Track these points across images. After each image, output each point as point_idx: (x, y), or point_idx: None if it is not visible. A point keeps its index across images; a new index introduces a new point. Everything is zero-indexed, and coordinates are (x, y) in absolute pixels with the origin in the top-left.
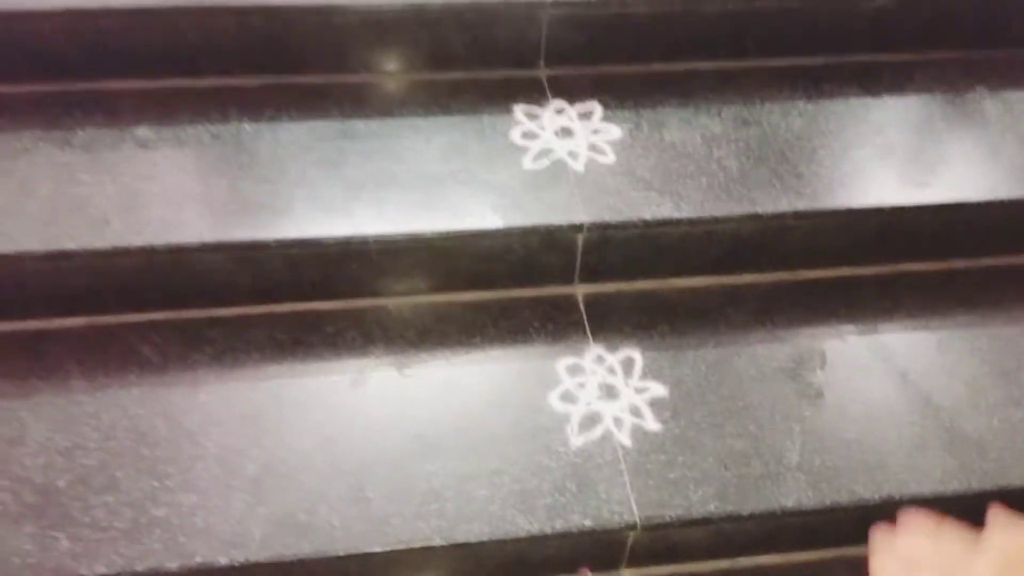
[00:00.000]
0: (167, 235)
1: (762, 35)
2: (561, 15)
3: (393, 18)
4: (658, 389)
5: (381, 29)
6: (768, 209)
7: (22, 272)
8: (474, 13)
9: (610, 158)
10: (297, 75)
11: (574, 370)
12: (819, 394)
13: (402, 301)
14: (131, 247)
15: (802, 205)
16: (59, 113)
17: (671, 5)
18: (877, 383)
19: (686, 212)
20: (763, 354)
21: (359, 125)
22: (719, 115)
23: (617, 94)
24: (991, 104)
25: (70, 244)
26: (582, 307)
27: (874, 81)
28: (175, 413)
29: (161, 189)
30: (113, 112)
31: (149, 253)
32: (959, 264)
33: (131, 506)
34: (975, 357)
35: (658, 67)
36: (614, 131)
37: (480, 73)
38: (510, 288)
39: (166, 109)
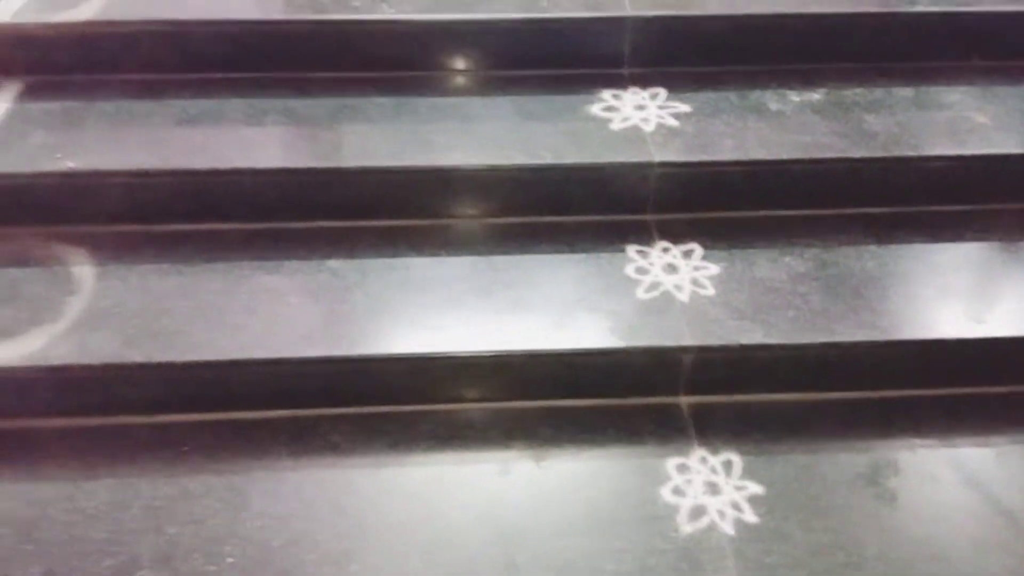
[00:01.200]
0: (357, 347)
1: (837, 188)
2: (667, 173)
3: (526, 176)
4: (755, 488)
5: (516, 183)
6: (847, 339)
7: (246, 373)
8: (593, 172)
9: (710, 291)
10: (453, 219)
11: (682, 469)
12: (893, 497)
13: (537, 404)
14: (332, 357)
15: (876, 336)
16: (268, 246)
17: (761, 165)
18: (944, 489)
19: (776, 339)
20: (845, 461)
21: (499, 259)
22: (802, 256)
23: (714, 236)
24: None
25: (285, 353)
26: (687, 415)
27: (936, 228)
28: (361, 488)
29: (351, 310)
30: (310, 246)
31: (343, 362)
32: (1017, 388)
33: (332, 563)
34: None
35: (748, 213)
36: (712, 268)
37: (597, 217)
38: (625, 397)
39: (352, 245)
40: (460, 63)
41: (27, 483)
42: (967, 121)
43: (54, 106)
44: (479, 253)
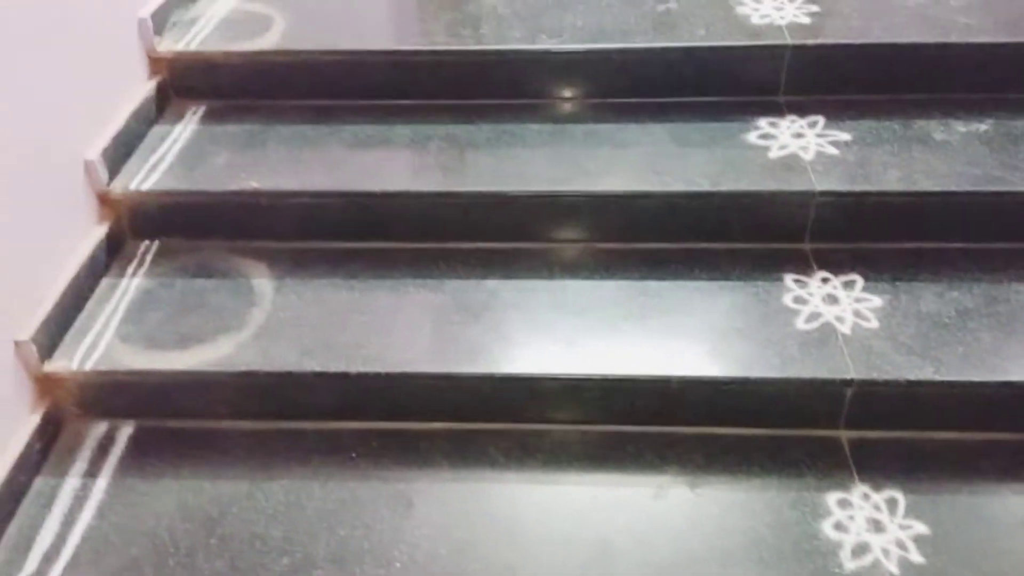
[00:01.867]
0: (516, 366)
1: (1006, 222)
2: (827, 202)
3: (681, 203)
4: (920, 527)
5: (671, 210)
6: (1020, 378)
7: (413, 386)
8: (752, 200)
9: (873, 324)
10: (608, 243)
11: (844, 504)
12: None
13: (691, 430)
14: (496, 375)
15: None
16: (431, 265)
17: (927, 197)
18: None
19: (947, 376)
20: (1014, 504)
21: (653, 285)
22: (970, 291)
23: (876, 267)
24: None
25: (450, 368)
26: (847, 449)
27: None
28: (520, 503)
29: (510, 329)
30: (469, 266)
31: (503, 380)
32: None
33: (493, 571)
34: None
35: (910, 245)
36: (875, 300)
37: (753, 245)
38: (781, 428)
39: (508, 265)
40: (615, 91)
41: (211, 481)
42: None
43: (237, 129)
44: (634, 278)
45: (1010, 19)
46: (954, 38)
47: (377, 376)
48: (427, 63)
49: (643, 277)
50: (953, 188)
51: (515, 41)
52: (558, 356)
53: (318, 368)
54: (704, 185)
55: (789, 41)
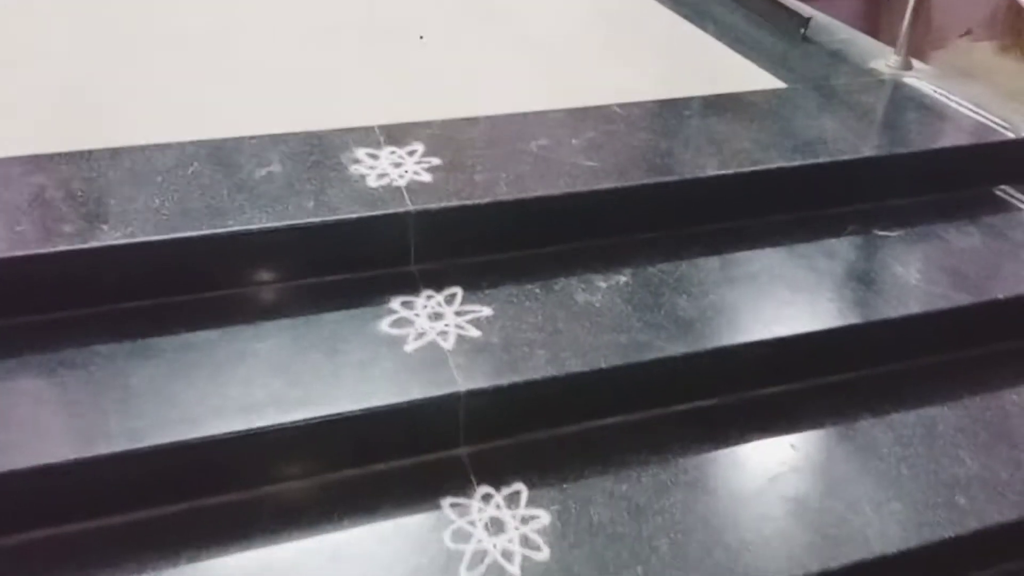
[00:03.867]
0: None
1: (660, 386)
2: (476, 403)
3: (292, 435)
4: None
5: (290, 443)
6: None
7: None
8: (391, 416)
9: (544, 553)
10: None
11: None
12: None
13: None
14: None
15: None
16: None
17: (575, 379)
18: None
19: None
20: None
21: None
22: (639, 481)
23: (540, 470)
24: None
25: None
26: None
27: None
28: None
29: None
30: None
31: None
32: None
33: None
34: None
35: (571, 429)
36: (543, 516)
37: (407, 461)
38: None
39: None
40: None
41: None
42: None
43: None
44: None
45: (631, 158)
46: (580, 186)
47: None
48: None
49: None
50: (602, 364)
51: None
52: None
53: None
54: (325, 409)
55: (411, 207)
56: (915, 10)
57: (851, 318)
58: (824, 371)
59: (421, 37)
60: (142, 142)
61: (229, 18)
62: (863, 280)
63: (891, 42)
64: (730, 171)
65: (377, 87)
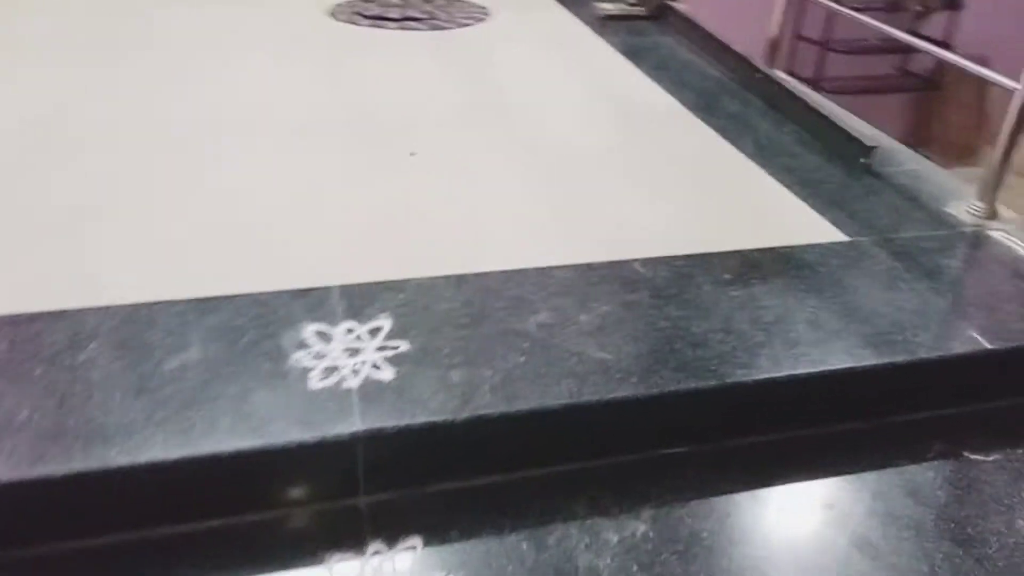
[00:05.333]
0: None
1: None
2: None
3: None
4: None
5: None
6: None
7: None
8: None
9: None
10: None
11: None
12: None
13: None
14: None
15: None
16: None
17: None
18: None
19: None
20: None
21: None
22: None
23: None
24: None
25: None
26: None
27: None
28: None
29: None
30: None
31: None
32: None
33: None
34: None
35: None
36: None
37: None
38: None
39: None
40: None
41: None
42: None
43: None
44: None
45: (655, 348)
46: (588, 392)
47: None
48: None
49: None
50: None
51: None
52: None
53: None
54: None
55: (359, 427)
56: (1007, 149)
57: None
58: None
59: (412, 154)
60: (27, 308)
61: (161, 111)
62: (958, 540)
63: (936, 150)
64: (782, 374)
65: (346, 223)
